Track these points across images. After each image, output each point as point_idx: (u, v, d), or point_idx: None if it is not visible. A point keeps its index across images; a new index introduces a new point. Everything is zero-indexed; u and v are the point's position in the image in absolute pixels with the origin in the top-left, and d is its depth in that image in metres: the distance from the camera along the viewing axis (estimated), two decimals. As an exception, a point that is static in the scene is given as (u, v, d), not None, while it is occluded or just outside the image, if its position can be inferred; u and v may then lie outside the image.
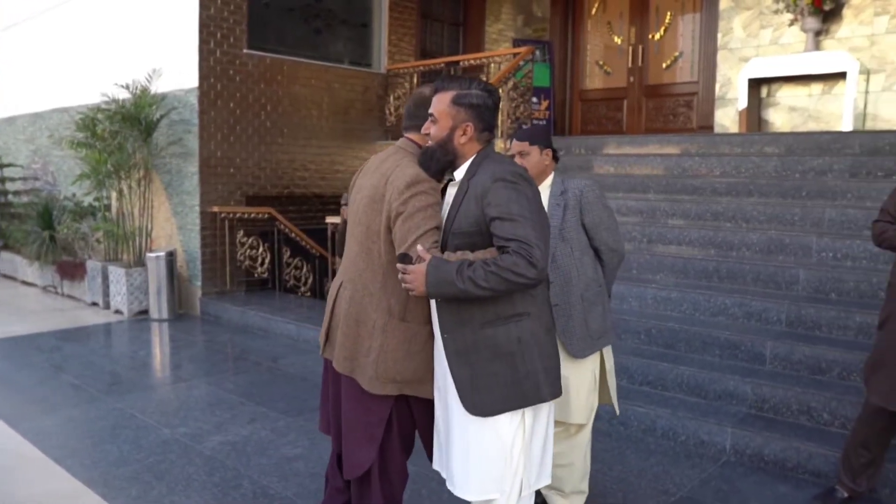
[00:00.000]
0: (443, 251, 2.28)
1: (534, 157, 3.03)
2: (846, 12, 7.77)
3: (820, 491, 3.57)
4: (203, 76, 7.53)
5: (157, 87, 7.84)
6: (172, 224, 8.09)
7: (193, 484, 3.68)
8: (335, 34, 9.15)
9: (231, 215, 7.82)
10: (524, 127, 3.23)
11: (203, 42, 7.49)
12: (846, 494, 3.47)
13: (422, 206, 2.33)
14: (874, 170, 5.62)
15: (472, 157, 2.33)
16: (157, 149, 7.88)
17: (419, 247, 2.23)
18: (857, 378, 4.11)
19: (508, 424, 2.28)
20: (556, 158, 3.09)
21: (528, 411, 2.31)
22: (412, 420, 2.62)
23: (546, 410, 2.40)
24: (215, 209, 7.71)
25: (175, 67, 7.73)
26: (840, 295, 4.72)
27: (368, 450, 2.55)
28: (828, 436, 3.89)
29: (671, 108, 9.17)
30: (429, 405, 2.58)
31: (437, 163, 2.35)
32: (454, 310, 2.26)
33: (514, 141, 3.10)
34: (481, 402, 2.25)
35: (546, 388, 2.30)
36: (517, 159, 3.07)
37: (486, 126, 2.33)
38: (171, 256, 7.64)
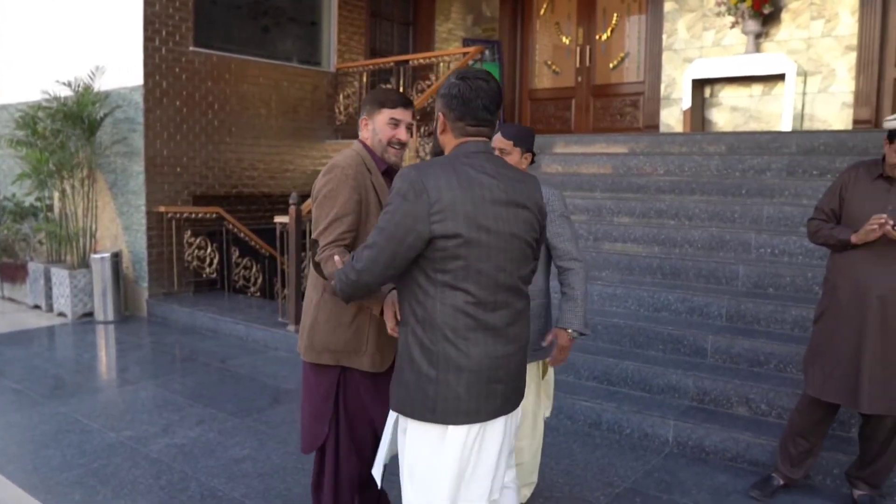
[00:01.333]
0: None
1: (514, 158, 3.04)
2: (784, 16, 8.02)
3: (757, 479, 3.70)
4: (148, 74, 7.41)
5: (101, 85, 7.68)
6: (118, 224, 7.94)
7: (139, 487, 3.64)
8: (284, 32, 9.08)
9: (178, 215, 7.71)
10: (511, 124, 3.18)
11: (148, 39, 7.37)
12: (782, 482, 3.60)
13: (328, 192, 2.55)
14: (810, 168, 5.81)
15: (450, 152, 2.21)
16: (100, 148, 7.73)
17: (336, 257, 2.42)
18: (793, 370, 4.26)
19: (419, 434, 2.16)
20: (532, 161, 3.13)
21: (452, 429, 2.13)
22: (359, 396, 2.73)
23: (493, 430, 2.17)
24: (162, 209, 7.60)
25: (119, 65, 7.58)
26: (777, 290, 4.88)
27: (321, 424, 2.74)
28: (765, 426, 4.02)
29: (618, 107, 9.33)
30: (373, 382, 2.71)
31: (433, 156, 2.38)
32: (402, 306, 2.26)
33: (499, 136, 3.09)
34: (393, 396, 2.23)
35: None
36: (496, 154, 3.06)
37: (459, 115, 2.14)
38: (116, 257, 7.51)
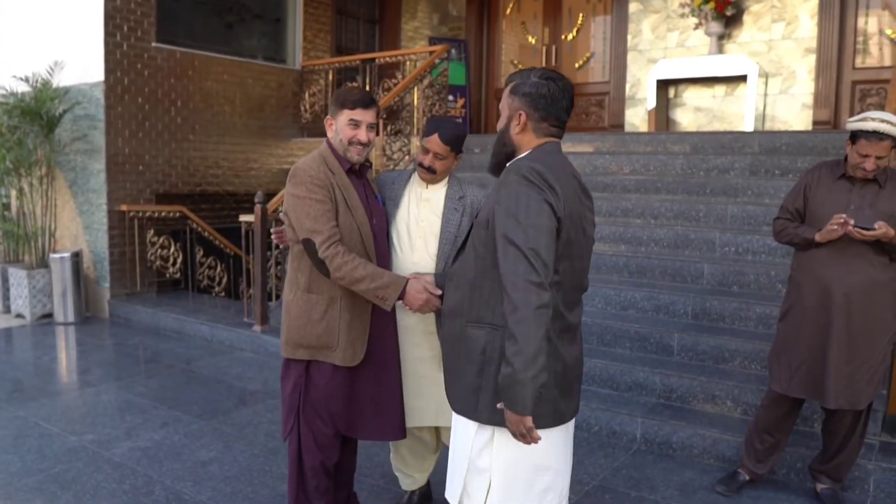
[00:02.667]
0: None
1: (448, 163, 2.91)
2: (746, 18, 8.14)
3: (723, 475, 3.75)
4: (109, 70, 7.26)
5: (60, 81, 7.50)
6: (78, 223, 7.78)
7: (102, 492, 3.56)
8: (248, 29, 8.97)
9: (140, 214, 7.57)
10: (446, 123, 3.01)
11: (108, 34, 7.22)
12: (748, 477, 3.65)
13: (299, 193, 2.65)
14: (772, 168, 5.91)
15: (529, 152, 2.15)
16: (60, 145, 7.55)
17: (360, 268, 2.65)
18: (757, 367, 4.32)
19: (474, 433, 2.16)
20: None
21: (500, 433, 2.09)
22: (320, 388, 2.79)
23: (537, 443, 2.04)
24: (124, 208, 7.45)
25: (79, 60, 7.42)
26: (741, 287, 4.95)
27: (290, 414, 2.84)
28: (731, 422, 4.08)
29: (584, 107, 9.38)
30: (345, 376, 2.78)
31: (495, 155, 2.27)
32: (450, 299, 2.27)
33: (436, 139, 2.86)
34: (450, 394, 2.26)
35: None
36: (431, 160, 2.89)
37: (544, 115, 2.11)
38: (76, 257, 7.35)
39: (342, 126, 2.72)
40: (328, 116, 2.80)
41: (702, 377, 4.28)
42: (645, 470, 3.88)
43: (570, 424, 2.24)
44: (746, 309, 4.65)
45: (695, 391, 4.28)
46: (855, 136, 3.20)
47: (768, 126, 8.00)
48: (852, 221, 3.12)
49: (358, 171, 2.81)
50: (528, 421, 1.93)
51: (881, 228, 3.07)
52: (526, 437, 1.96)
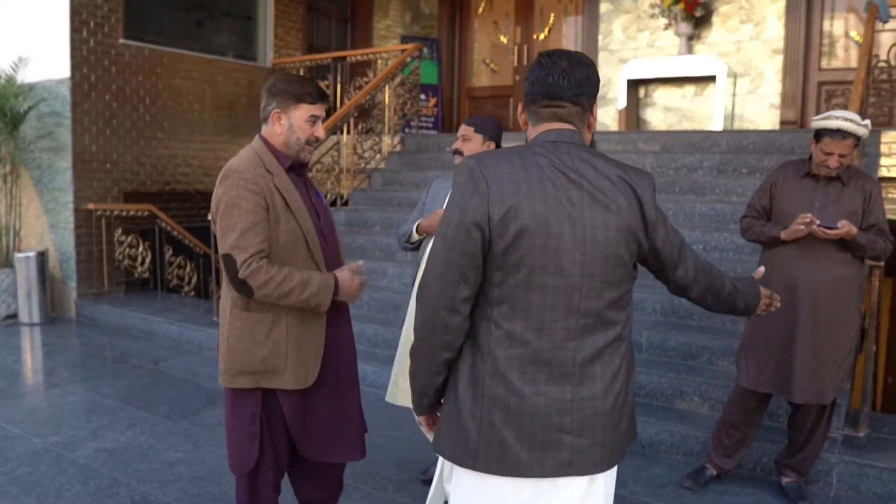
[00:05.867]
0: None
1: (475, 144, 3.24)
2: (715, 19, 8.23)
3: (691, 470, 3.78)
4: (75, 66, 7.15)
5: (25, 77, 7.36)
6: (43, 222, 7.64)
7: (66, 494, 3.50)
8: (218, 26, 8.89)
9: (108, 213, 7.46)
10: (479, 116, 3.36)
11: (75, 30, 7.10)
12: (715, 472, 3.69)
13: (229, 200, 2.34)
14: (739, 167, 5.98)
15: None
16: (24, 142, 7.42)
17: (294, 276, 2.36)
18: (724, 363, 4.37)
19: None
20: None
21: (458, 471, 1.81)
22: (282, 416, 2.51)
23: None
24: (91, 206, 7.34)
25: (44, 56, 7.29)
26: (709, 285, 4.99)
27: (252, 446, 2.49)
28: (699, 418, 4.12)
29: (555, 106, 9.41)
30: (299, 399, 2.49)
31: None
32: None
33: (463, 123, 3.36)
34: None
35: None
36: (459, 143, 3.32)
37: (532, 97, 1.78)
38: (42, 256, 7.23)
39: (300, 123, 2.43)
40: (274, 109, 2.44)
41: (670, 374, 4.32)
42: (614, 466, 3.91)
43: (560, 486, 1.73)
44: (714, 306, 4.70)
45: (663, 388, 4.31)
46: (819, 134, 3.25)
47: (737, 125, 8.09)
48: (818, 221, 3.17)
49: (297, 169, 2.52)
50: (421, 419, 1.95)
51: (844, 227, 3.13)
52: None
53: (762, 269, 2.21)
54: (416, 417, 1.96)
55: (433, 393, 1.84)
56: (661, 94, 8.62)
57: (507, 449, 1.69)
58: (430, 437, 1.93)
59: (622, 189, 1.69)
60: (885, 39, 6.95)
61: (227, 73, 8.69)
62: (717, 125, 7.75)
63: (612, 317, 1.72)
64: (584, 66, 1.75)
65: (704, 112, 8.32)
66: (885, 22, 5.74)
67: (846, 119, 3.15)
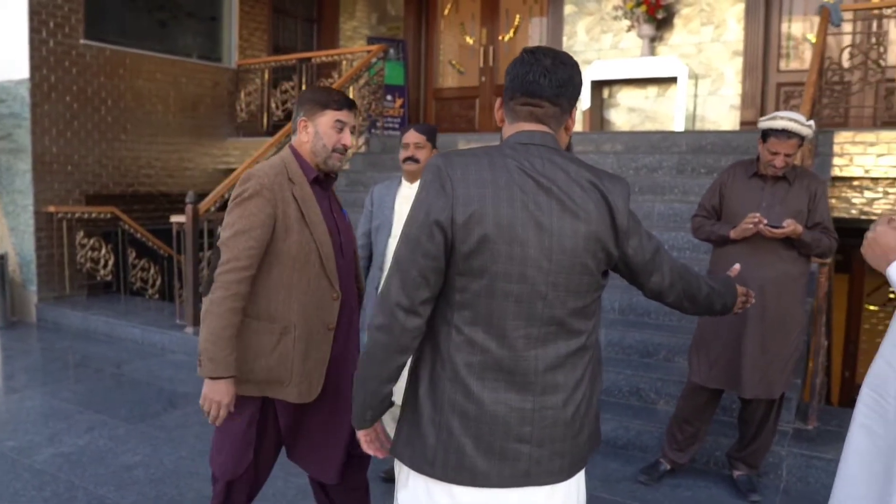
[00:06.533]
0: None
1: (426, 153, 3.38)
2: (677, 21, 8.34)
3: (645, 465, 3.85)
4: (35, 67, 7.06)
5: (-18, 78, 7.29)
6: (3, 225, 7.54)
7: (20, 500, 3.48)
8: (182, 27, 8.83)
9: (69, 215, 7.39)
10: (419, 123, 3.42)
11: (34, 31, 7.02)
12: (669, 467, 3.76)
13: (240, 200, 2.35)
14: (698, 167, 6.08)
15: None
16: (-17, 144, 7.33)
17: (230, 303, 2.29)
18: (679, 359, 4.45)
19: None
20: None
21: (413, 477, 1.78)
22: (277, 426, 2.52)
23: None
24: (52, 209, 7.26)
25: (2, 57, 7.19)
26: (667, 283, 5.07)
27: (244, 453, 2.48)
28: (654, 413, 4.19)
29: (521, 107, 9.48)
30: (297, 411, 2.49)
31: None
32: None
33: (413, 131, 3.40)
34: None
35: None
36: (412, 150, 3.39)
37: (510, 94, 1.72)
38: (1, 260, 7.14)
39: (326, 129, 2.42)
40: (301, 117, 2.45)
41: (627, 371, 4.39)
42: (571, 462, 3.96)
43: (519, 496, 1.69)
44: (671, 304, 4.78)
45: (620, 384, 4.38)
46: (765, 134, 3.34)
47: (698, 126, 8.21)
48: (765, 221, 3.25)
49: (322, 182, 2.50)
50: (361, 434, 1.85)
51: (789, 226, 3.21)
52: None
53: (738, 266, 2.21)
54: (357, 433, 1.86)
55: (378, 404, 1.77)
56: (624, 95, 8.72)
57: (464, 457, 1.66)
58: (371, 452, 1.87)
59: (593, 196, 1.63)
60: (838, 42, 7.10)
61: (192, 74, 8.64)
62: (679, 126, 7.86)
63: (577, 326, 1.68)
64: (567, 67, 1.70)
65: (667, 113, 8.43)
66: (837, 25, 5.86)
67: (791, 119, 3.24)
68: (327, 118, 2.43)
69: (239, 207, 2.33)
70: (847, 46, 6.28)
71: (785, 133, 3.26)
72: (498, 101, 1.79)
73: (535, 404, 1.66)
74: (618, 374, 4.38)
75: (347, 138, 2.47)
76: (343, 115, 2.45)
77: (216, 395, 2.29)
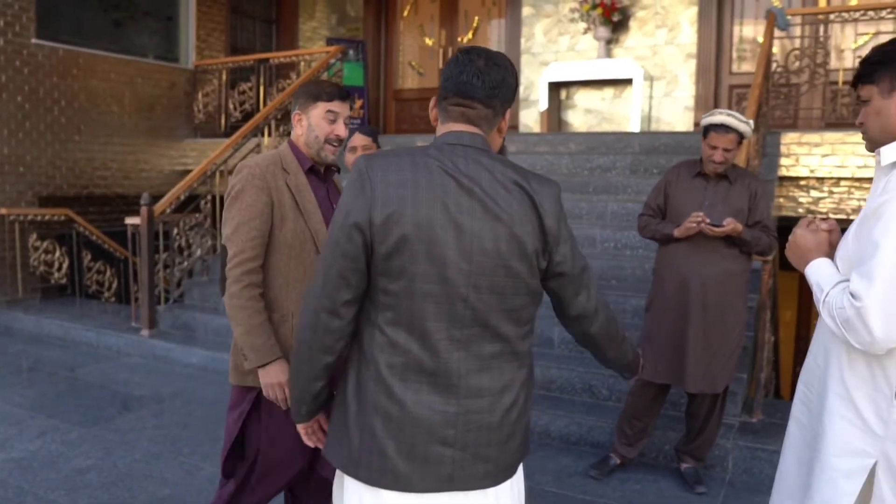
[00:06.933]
0: None
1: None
2: (632, 24, 8.48)
3: (596, 460, 3.93)
4: (-16, 67, 6.95)
5: (-70, 79, 7.14)
6: (-47, 228, 7.40)
7: (-32, 505, 3.44)
8: (138, 27, 8.74)
9: (22, 218, 7.27)
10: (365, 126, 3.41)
11: (-17, 30, 6.91)
12: (619, 461, 3.84)
13: (235, 193, 2.37)
14: (651, 167, 6.19)
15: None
16: (-69, 146, 7.18)
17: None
18: (631, 356, 4.53)
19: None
20: None
21: (349, 482, 1.74)
22: (282, 418, 2.42)
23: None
24: (3, 211, 7.13)
25: (-49, 57, 7.07)
26: (620, 281, 5.17)
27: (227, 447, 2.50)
28: (606, 409, 4.28)
29: (480, 108, 9.55)
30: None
31: None
32: None
33: (359, 134, 3.44)
34: None
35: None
36: (360, 152, 3.40)
37: (443, 93, 1.72)
38: (-49, 263, 7.00)
39: (318, 120, 2.43)
40: (296, 111, 2.48)
41: (580, 368, 4.46)
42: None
43: (428, 502, 1.67)
44: (623, 301, 4.88)
45: (573, 382, 4.46)
46: (706, 130, 3.45)
47: (654, 127, 8.36)
48: (707, 220, 3.34)
49: (319, 172, 2.51)
50: (300, 428, 1.89)
51: (730, 224, 3.31)
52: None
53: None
54: (297, 426, 1.91)
55: (311, 400, 1.79)
56: (581, 97, 8.84)
57: (386, 460, 1.64)
58: (311, 444, 1.92)
59: (519, 197, 1.61)
60: (786, 46, 7.29)
61: (148, 74, 8.56)
62: (635, 126, 7.99)
63: (504, 330, 1.65)
64: (500, 68, 1.68)
65: (623, 114, 8.56)
66: (784, 29, 6.03)
67: (729, 114, 3.39)
68: (319, 110, 2.44)
69: (235, 201, 2.35)
70: (793, 50, 6.45)
71: (723, 127, 3.38)
72: (432, 101, 1.78)
73: (459, 407, 1.64)
74: (571, 372, 4.46)
75: (341, 129, 2.46)
76: (335, 105, 2.44)
77: (271, 378, 2.30)
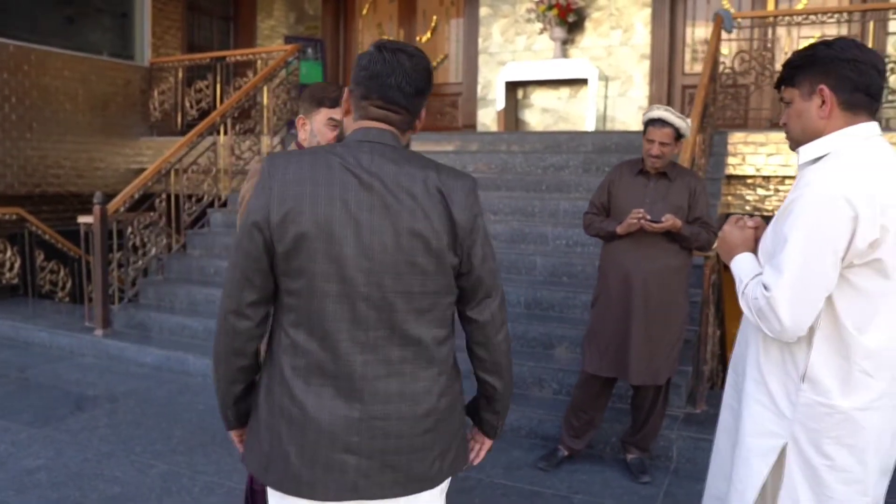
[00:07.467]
0: None
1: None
2: (588, 25, 8.61)
3: (545, 452, 4.02)
4: (-69, 64, 6.83)
5: None
6: None
7: (-87, 507, 3.41)
8: (92, 23, 8.64)
9: (-28, 217, 7.16)
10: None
11: (-70, 26, 6.79)
12: (566, 453, 3.93)
13: (249, 199, 2.40)
14: (602, 166, 6.30)
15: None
16: None
17: None
18: (580, 350, 4.64)
19: None
20: None
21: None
22: None
23: None
24: (-48, 210, 7.03)
25: None
26: (570, 278, 5.27)
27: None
28: (556, 403, 4.37)
29: (438, 107, 9.63)
30: None
31: None
32: None
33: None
34: None
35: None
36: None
37: (364, 93, 1.65)
38: None
39: (320, 127, 2.44)
40: (301, 115, 2.49)
41: (531, 362, 4.55)
42: (475, 452, 4.09)
43: None
44: (573, 297, 4.98)
45: (524, 376, 4.54)
46: (645, 126, 3.57)
47: (609, 126, 8.50)
48: (648, 216, 3.45)
49: None
50: (232, 434, 1.86)
51: (668, 220, 3.42)
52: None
53: None
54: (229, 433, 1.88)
55: (232, 404, 1.75)
56: (538, 96, 8.95)
57: (289, 465, 1.60)
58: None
59: (424, 192, 1.56)
60: (740, 47, 7.47)
61: (102, 71, 8.46)
62: (590, 126, 8.13)
63: (415, 332, 1.60)
64: (424, 71, 1.65)
65: (579, 113, 8.69)
66: (730, 32, 6.18)
67: (665, 110, 3.53)
68: (321, 116, 2.44)
69: (245, 204, 2.35)
70: (739, 52, 6.62)
71: (660, 122, 3.51)
72: (346, 93, 1.72)
73: (363, 413, 1.58)
74: (522, 367, 4.54)
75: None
76: (337, 113, 2.41)
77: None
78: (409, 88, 1.62)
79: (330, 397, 1.58)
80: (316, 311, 1.56)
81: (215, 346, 1.69)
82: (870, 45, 6.78)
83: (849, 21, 7.02)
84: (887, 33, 6.75)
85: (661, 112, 3.50)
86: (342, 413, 1.58)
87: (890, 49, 6.62)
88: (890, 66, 5.86)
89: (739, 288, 1.93)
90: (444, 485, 1.76)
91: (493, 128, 8.92)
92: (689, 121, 3.57)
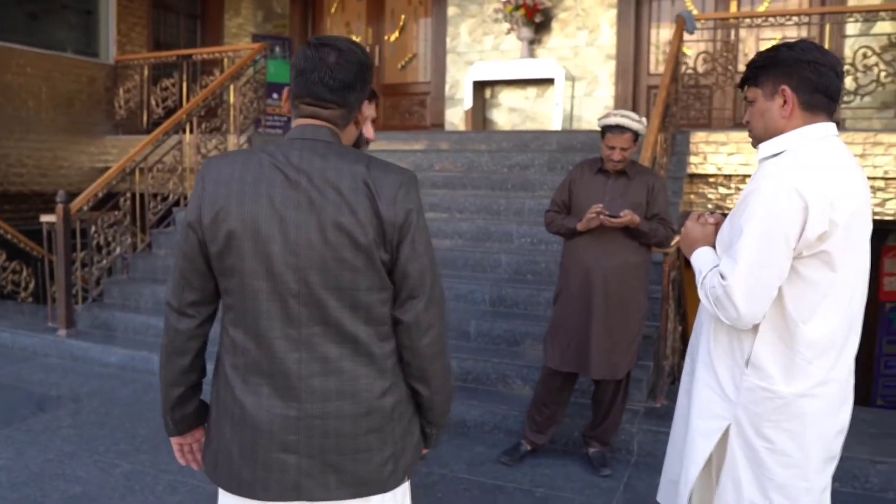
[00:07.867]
0: None
1: None
2: (554, 25, 8.70)
3: (508, 447, 4.07)
4: None
5: None
6: None
7: None
8: (55, 20, 8.52)
9: (-69, 216, 7.04)
10: None
11: None
12: (529, 448, 3.99)
13: None
14: (567, 164, 6.37)
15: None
16: None
17: None
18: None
19: None
20: None
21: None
22: None
23: None
24: (-89, 209, 6.91)
25: None
26: (534, 275, 5.33)
27: None
28: (519, 398, 4.42)
29: (407, 106, 9.67)
30: None
31: None
32: None
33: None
34: None
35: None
36: None
37: (295, 91, 1.66)
38: None
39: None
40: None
41: (495, 359, 4.60)
42: (438, 448, 4.12)
43: None
44: (537, 294, 5.04)
45: (488, 372, 4.59)
46: (603, 131, 3.62)
47: (575, 126, 8.59)
48: (607, 212, 3.51)
49: None
50: (172, 441, 1.83)
51: (626, 216, 3.48)
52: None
53: None
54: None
55: (171, 408, 1.75)
56: (505, 96, 9.02)
57: (232, 464, 1.61)
58: (183, 462, 1.87)
59: (351, 187, 1.54)
60: (705, 48, 7.60)
61: (66, 69, 8.37)
62: (557, 125, 8.21)
63: (351, 329, 1.58)
64: (352, 64, 1.62)
65: (546, 113, 8.78)
66: (692, 33, 6.29)
67: (623, 115, 3.56)
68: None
69: None
70: (701, 53, 6.73)
71: (618, 128, 3.56)
72: (285, 92, 1.72)
73: (301, 412, 1.57)
74: (486, 363, 4.59)
75: (368, 131, 2.30)
76: (365, 108, 2.32)
77: None
78: (333, 83, 1.61)
79: (267, 396, 1.58)
80: (250, 310, 1.57)
81: (161, 347, 1.73)
82: (827, 47, 6.93)
83: (808, 24, 7.19)
84: (843, 36, 6.93)
85: (619, 118, 3.55)
86: (279, 412, 1.57)
87: (847, 51, 6.77)
88: (846, 68, 6.01)
89: (699, 279, 2.01)
90: (401, 490, 1.73)
91: (462, 127, 8.97)
92: (644, 120, 3.63)
